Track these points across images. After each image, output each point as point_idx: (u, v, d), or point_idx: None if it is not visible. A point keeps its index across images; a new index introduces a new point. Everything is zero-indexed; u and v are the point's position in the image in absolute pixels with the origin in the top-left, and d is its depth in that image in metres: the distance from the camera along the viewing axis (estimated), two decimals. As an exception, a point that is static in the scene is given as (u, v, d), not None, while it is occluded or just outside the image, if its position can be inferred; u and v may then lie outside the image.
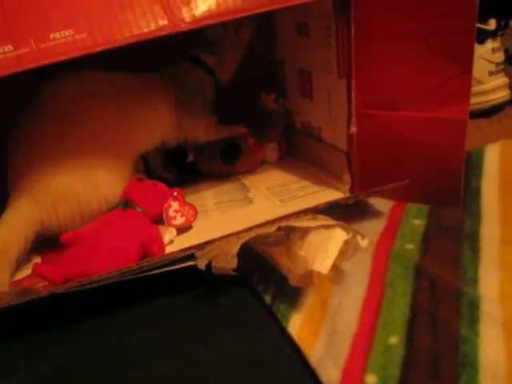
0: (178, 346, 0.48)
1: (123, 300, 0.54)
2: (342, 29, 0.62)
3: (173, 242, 0.61)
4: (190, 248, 0.53)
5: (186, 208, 0.64)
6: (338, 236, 0.48)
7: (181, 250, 0.53)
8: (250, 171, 0.79)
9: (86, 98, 0.63)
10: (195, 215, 0.64)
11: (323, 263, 0.46)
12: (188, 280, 0.54)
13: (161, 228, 0.62)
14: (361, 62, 0.62)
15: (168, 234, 0.61)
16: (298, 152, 0.81)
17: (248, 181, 0.77)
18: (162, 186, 0.66)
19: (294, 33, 0.74)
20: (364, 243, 0.49)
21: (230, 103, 0.81)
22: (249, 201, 0.71)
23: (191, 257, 0.52)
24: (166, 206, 0.64)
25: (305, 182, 0.74)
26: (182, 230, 0.63)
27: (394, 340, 0.45)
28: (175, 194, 0.65)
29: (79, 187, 0.61)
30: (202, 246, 0.53)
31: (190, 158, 0.81)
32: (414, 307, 0.48)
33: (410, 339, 0.45)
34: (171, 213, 0.63)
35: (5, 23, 0.50)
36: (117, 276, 0.50)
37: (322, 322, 0.48)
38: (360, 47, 0.61)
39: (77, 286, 0.49)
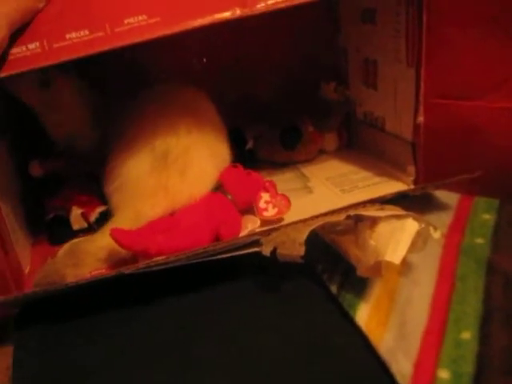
0: (243, 333, 0.48)
1: (188, 284, 0.54)
2: (413, 15, 0.60)
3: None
4: (255, 234, 0.53)
5: (278, 198, 0.61)
6: (411, 226, 0.47)
7: (246, 236, 0.53)
8: (309, 160, 0.78)
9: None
10: (288, 206, 0.61)
11: (395, 254, 0.45)
12: (252, 266, 0.54)
13: (246, 217, 0.61)
14: (431, 49, 0.60)
15: (251, 224, 0.59)
16: (359, 143, 0.80)
17: (307, 170, 0.76)
18: (256, 175, 0.63)
19: (359, 20, 0.72)
20: (436, 235, 0.48)
21: (292, 91, 0.81)
22: (309, 190, 0.70)
23: (256, 243, 0.52)
24: (256, 197, 0.62)
25: (366, 173, 0.72)
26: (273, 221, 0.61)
27: (466, 335, 0.44)
28: (266, 184, 0.63)
29: None
30: (267, 233, 0.52)
31: (249, 145, 0.81)
32: (487, 303, 0.47)
33: (485, 335, 0.43)
34: (262, 204, 0.61)
35: (81, 11, 0.51)
36: (183, 259, 0.51)
37: (390, 314, 0.47)
38: (431, 34, 0.59)
39: (144, 268, 0.50)
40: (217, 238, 0.57)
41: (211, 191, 0.62)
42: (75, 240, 0.62)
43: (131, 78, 0.76)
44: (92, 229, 0.63)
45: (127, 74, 0.77)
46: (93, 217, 0.64)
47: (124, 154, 0.60)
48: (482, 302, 0.47)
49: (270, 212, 0.61)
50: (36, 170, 0.66)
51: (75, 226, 0.64)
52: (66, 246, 0.61)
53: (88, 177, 0.69)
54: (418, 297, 0.48)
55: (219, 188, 0.62)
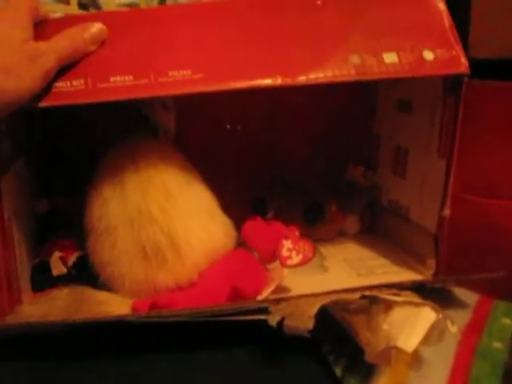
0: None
1: (188, 342, 0.52)
2: (449, 109, 0.61)
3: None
4: (264, 301, 0.51)
5: (301, 244, 0.59)
6: (427, 316, 0.45)
7: (255, 301, 0.51)
8: (328, 239, 0.77)
9: None
10: (313, 250, 0.59)
11: (408, 341, 0.43)
12: (254, 334, 0.52)
13: (272, 271, 0.59)
14: (464, 144, 0.60)
15: (277, 277, 0.57)
16: (381, 229, 0.79)
17: (325, 249, 0.74)
18: (276, 224, 0.61)
19: (394, 109, 0.73)
20: (454, 329, 0.45)
21: (319, 169, 0.82)
22: (324, 269, 0.68)
23: (265, 310, 0.50)
24: (278, 246, 0.59)
25: (384, 260, 0.70)
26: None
27: None
28: (287, 231, 0.61)
29: None
30: (277, 301, 0.51)
31: (270, 215, 0.80)
32: (502, 411, 0.43)
33: None
34: (285, 252, 0.59)
35: (129, 57, 0.53)
36: (186, 315, 0.49)
37: (396, 407, 0.44)
38: (466, 129, 0.60)
39: (145, 317, 0.48)
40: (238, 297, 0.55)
41: (235, 248, 0.60)
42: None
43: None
44: (71, 275, 0.61)
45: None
46: (70, 260, 0.62)
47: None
48: (496, 409, 0.44)
49: (294, 260, 0.58)
50: (43, 206, 0.66)
51: (55, 271, 0.61)
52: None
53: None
54: (428, 394, 0.45)
55: (242, 244, 0.60)
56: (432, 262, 0.64)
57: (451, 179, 0.61)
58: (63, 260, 0.62)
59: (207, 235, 0.58)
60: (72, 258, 0.62)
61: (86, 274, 0.59)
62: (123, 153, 0.59)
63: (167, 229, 0.55)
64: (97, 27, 0.53)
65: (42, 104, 0.50)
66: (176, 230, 0.56)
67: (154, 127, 0.65)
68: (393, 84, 0.73)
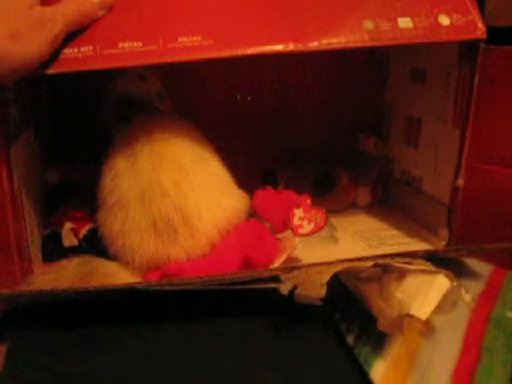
0: (248, 375, 0.45)
1: (200, 310, 0.52)
2: (465, 77, 0.59)
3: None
4: (276, 269, 0.51)
5: (313, 212, 0.58)
6: (441, 283, 0.44)
7: (266, 270, 0.51)
8: (339, 211, 0.76)
9: None
10: (325, 218, 0.57)
11: (421, 309, 0.42)
12: (268, 303, 0.52)
13: (284, 240, 0.59)
14: (479, 112, 0.59)
15: (289, 245, 0.57)
16: (394, 201, 0.78)
17: (336, 220, 0.73)
18: (287, 192, 0.60)
19: (407, 78, 0.72)
20: (467, 297, 0.45)
21: (330, 140, 0.81)
22: (334, 240, 0.68)
23: (276, 279, 0.50)
24: (289, 214, 0.58)
25: (396, 232, 0.70)
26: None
27: (490, 410, 0.40)
28: (298, 199, 0.60)
29: None
30: (288, 270, 0.50)
31: (280, 187, 0.79)
32: (516, 379, 0.43)
33: (511, 413, 0.39)
34: (296, 221, 0.58)
35: (138, 23, 0.52)
36: (198, 283, 0.48)
37: (408, 375, 0.44)
38: (480, 99, 0.58)
39: (156, 285, 0.48)
40: (249, 267, 0.54)
41: (247, 218, 0.59)
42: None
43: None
44: (81, 247, 0.61)
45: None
46: (82, 233, 0.62)
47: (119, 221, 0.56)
48: (509, 378, 0.43)
49: (306, 228, 0.58)
50: (52, 177, 0.66)
51: (66, 243, 0.61)
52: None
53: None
54: (440, 362, 0.45)
55: (254, 214, 0.59)
56: (445, 233, 0.64)
57: (466, 148, 0.60)
58: (74, 232, 0.62)
59: (220, 210, 0.57)
60: (83, 231, 0.62)
61: (96, 247, 0.59)
62: (138, 127, 0.58)
63: (179, 203, 0.54)
64: None
65: (50, 71, 0.49)
66: (188, 205, 0.55)
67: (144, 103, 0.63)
68: (406, 52, 0.72)
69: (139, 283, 0.48)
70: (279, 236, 0.60)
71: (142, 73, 0.64)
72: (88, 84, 0.73)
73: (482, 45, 0.56)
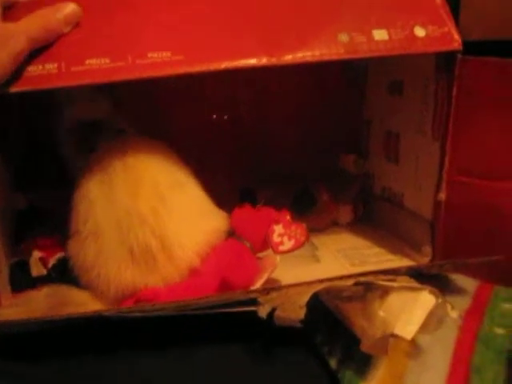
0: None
1: (175, 336, 0.49)
2: (443, 88, 0.58)
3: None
4: (253, 292, 0.48)
5: (293, 228, 0.56)
6: (426, 300, 0.42)
7: (243, 292, 0.48)
8: (320, 229, 0.74)
9: None
10: (306, 234, 0.55)
11: (406, 328, 0.40)
12: (244, 328, 0.49)
13: (265, 259, 0.56)
14: (459, 124, 0.58)
15: (269, 265, 0.54)
16: (376, 218, 0.76)
17: (317, 239, 0.72)
18: (266, 210, 0.58)
19: (385, 92, 0.71)
20: (454, 314, 0.43)
21: (310, 158, 0.79)
22: (316, 259, 0.66)
23: (253, 301, 0.47)
24: (268, 232, 0.56)
25: (379, 249, 0.68)
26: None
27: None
28: (277, 215, 0.57)
29: None
30: (266, 291, 0.48)
31: (259, 206, 0.77)
32: (507, 400, 0.41)
33: None
34: (276, 238, 0.55)
35: (106, 39, 0.50)
36: (171, 308, 0.46)
37: (395, 399, 0.41)
38: (458, 110, 0.57)
39: (126, 312, 0.45)
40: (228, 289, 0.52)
41: (225, 238, 0.57)
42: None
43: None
44: (50, 276, 0.58)
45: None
46: (51, 262, 0.59)
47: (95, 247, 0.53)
48: (499, 398, 0.41)
49: (287, 245, 0.55)
50: (20, 202, 0.63)
51: (34, 272, 0.58)
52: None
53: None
54: (429, 384, 0.43)
55: (233, 234, 0.57)
56: (428, 249, 0.62)
57: (446, 161, 0.59)
58: (43, 261, 0.59)
59: (200, 234, 0.55)
60: (52, 260, 0.59)
61: (66, 277, 0.56)
62: (109, 152, 0.56)
63: (159, 231, 0.52)
64: (71, 7, 0.50)
65: (13, 89, 0.46)
66: (167, 231, 0.52)
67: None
68: (383, 64, 0.71)
69: (108, 310, 0.46)
70: (260, 255, 0.58)
71: (89, 95, 0.62)
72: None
73: (459, 56, 0.55)
